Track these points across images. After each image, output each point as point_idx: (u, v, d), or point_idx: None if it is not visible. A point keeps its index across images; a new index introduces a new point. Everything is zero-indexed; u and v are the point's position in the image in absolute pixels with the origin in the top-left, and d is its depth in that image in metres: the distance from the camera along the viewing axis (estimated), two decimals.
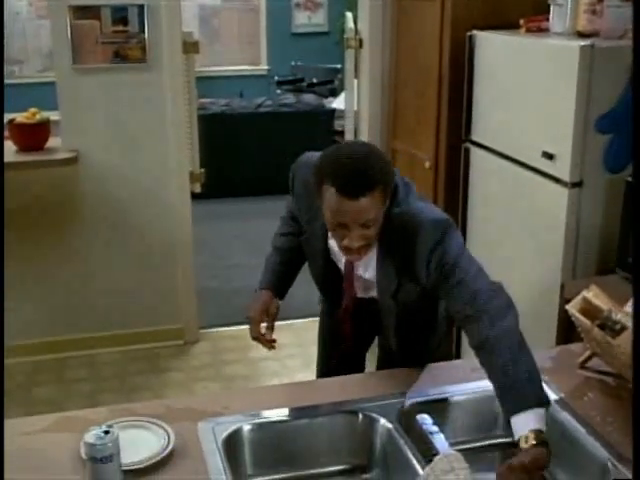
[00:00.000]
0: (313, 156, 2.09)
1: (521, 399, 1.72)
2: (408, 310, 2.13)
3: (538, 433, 1.66)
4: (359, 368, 2.53)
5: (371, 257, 2.04)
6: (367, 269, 2.10)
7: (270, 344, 2.29)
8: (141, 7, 3.82)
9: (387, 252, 2.02)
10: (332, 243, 2.08)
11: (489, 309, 1.87)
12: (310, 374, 3.79)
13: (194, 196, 4.27)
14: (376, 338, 2.55)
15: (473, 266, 1.95)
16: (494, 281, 1.96)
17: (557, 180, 2.85)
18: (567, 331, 2.64)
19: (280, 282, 2.34)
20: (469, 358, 1.94)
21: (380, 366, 2.44)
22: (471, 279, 1.91)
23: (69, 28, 3.78)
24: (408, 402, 1.91)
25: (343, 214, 1.84)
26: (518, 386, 1.74)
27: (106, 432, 1.56)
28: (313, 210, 2.07)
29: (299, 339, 4.28)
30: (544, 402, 1.73)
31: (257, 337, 2.28)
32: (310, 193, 2.00)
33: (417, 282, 2.00)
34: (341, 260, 2.14)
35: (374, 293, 2.16)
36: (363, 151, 1.93)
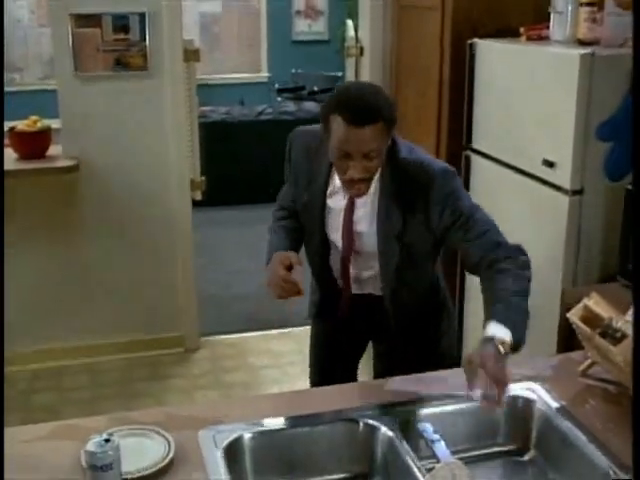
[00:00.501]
0: (311, 127, 2.26)
1: (510, 320, 1.87)
2: (409, 261, 2.18)
3: (508, 344, 1.81)
4: (351, 377, 2.56)
5: (368, 212, 2.15)
6: (365, 222, 2.17)
7: (296, 289, 2.10)
8: (142, 15, 3.83)
9: (391, 197, 2.11)
10: (330, 203, 2.19)
11: (513, 259, 2.00)
12: None
13: (195, 203, 4.27)
14: (370, 352, 2.57)
15: (492, 221, 2.10)
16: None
17: (558, 188, 2.85)
18: (568, 338, 2.63)
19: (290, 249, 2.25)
20: None
21: (377, 376, 2.44)
22: (494, 232, 2.06)
23: (70, 36, 3.79)
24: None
25: (348, 142, 1.96)
26: (513, 311, 1.90)
27: (107, 440, 1.56)
28: (313, 172, 2.21)
29: (299, 346, 4.27)
30: (521, 343, 1.87)
31: (282, 296, 2.12)
32: (310, 156, 2.20)
33: (427, 225, 2.10)
34: (338, 230, 2.20)
35: (371, 289, 2.27)
36: (371, 87, 2.13)
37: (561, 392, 1.97)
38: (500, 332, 1.83)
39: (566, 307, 2.62)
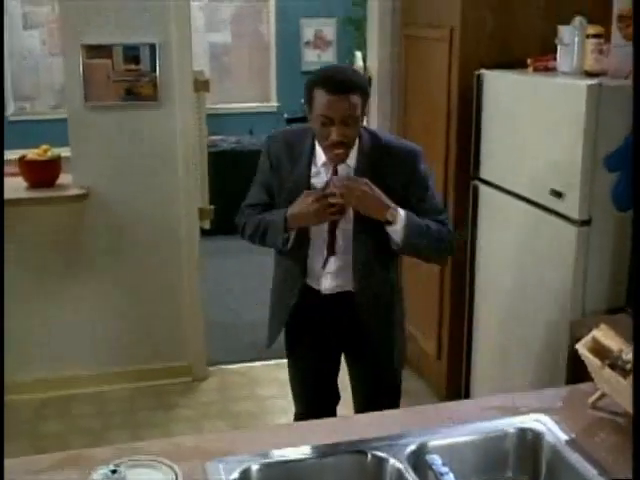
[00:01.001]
0: (286, 127, 2.84)
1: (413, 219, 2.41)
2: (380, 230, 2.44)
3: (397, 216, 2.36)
4: (334, 394, 2.83)
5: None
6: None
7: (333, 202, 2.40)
8: (153, 46, 3.88)
9: (369, 169, 2.45)
10: (315, 181, 2.49)
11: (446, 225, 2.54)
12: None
13: (203, 232, 4.29)
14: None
15: (439, 197, 2.69)
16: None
17: (566, 218, 2.85)
18: (577, 369, 2.62)
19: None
20: (479, 397, 1.93)
21: (357, 399, 2.77)
22: (439, 200, 2.64)
23: (82, 66, 3.83)
24: None
25: (330, 109, 2.30)
26: (419, 222, 2.43)
27: (113, 471, 1.56)
28: (294, 161, 2.53)
29: None
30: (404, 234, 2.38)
31: (333, 213, 2.43)
32: (290, 149, 2.54)
33: (402, 191, 2.47)
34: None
35: (342, 282, 2.55)
36: (348, 67, 2.72)
37: (571, 424, 1.96)
38: (400, 211, 2.38)
39: (575, 338, 2.61)
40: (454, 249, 2.69)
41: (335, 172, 2.46)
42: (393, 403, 2.72)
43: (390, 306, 2.66)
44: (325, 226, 2.50)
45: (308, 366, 2.78)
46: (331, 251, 2.53)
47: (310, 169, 2.50)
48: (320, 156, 2.48)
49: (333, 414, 2.79)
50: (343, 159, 2.42)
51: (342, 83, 2.32)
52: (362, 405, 2.75)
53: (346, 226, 2.50)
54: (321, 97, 2.31)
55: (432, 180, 2.59)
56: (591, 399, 2.05)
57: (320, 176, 2.49)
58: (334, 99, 2.29)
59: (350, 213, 2.47)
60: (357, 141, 2.46)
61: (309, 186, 2.48)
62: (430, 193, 2.54)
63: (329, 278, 2.58)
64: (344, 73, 2.41)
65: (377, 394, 2.72)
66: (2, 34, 4.31)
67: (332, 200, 2.38)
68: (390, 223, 2.39)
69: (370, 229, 2.46)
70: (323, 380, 2.81)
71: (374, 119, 4.26)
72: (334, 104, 2.30)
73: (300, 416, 2.84)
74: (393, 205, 2.38)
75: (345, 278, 2.57)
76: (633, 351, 1.84)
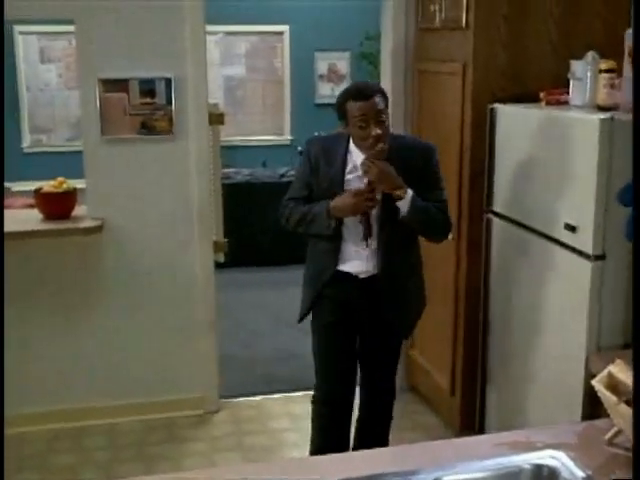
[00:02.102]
0: (323, 134, 3.28)
1: (418, 202, 2.90)
2: (407, 222, 2.92)
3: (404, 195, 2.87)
4: (352, 368, 3.20)
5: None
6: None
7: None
8: (168, 80, 3.92)
9: (393, 162, 2.88)
10: (349, 177, 2.97)
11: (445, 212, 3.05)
12: None
13: (217, 265, 4.29)
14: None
15: (445, 189, 3.10)
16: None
17: (580, 252, 2.84)
18: (593, 405, 2.60)
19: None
20: (493, 432, 1.91)
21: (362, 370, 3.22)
22: (445, 193, 3.08)
23: (98, 100, 3.88)
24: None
25: (362, 112, 2.82)
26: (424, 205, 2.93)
27: None
28: (330, 162, 3.01)
29: None
30: (410, 210, 2.89)
31: (369, 207, 2.92)
32: (326, 151, 3.03)
33: (417, 178, 2.94)
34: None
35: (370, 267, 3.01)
36: (365, 81, 3.40)
37: (587, 461, 1.93)
38: (409, 191, 2.88)
39: (590, 373, 2.59)
40: (447, 233, 3.13)
41: (341, 166, 2.98)
42: (392, 370, 3.24)
43: (406, 283, 3.13)
44: (358, 216, 2.96)
45: (330, 344, 3.17)
46: (369, 234, 2.97)
47: (344, 169, 2.99)
48: (353, 157, 2.98)
49: (352, 391, 3.20)
50: (385, 153, 2.87)
51: (365, 89, 2.89)
52: (365, 376, 3.23)
53: (374, 214, 2.97)
54: (352, 106, 2.85)
55: (441, 173, 3.09)
56: (607, 435, 2.03)
57: (355, 174, 2.97)
58: (364, 103, 2.82)
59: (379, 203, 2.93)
60: None
61: (343, 183, 2.97)
62: (438, 184, 3.05)
63: (364, 261, 3.01)
64: (363, 83, 3.11)
65: (381, 362, 3.21)
66: (2, 36, 4.34)
67: (367, 195, 2.86)
68: (401, 198, 2.88)
69: (393, 216, 2.91)
70: (344, 358, 3.18)
71: None
72: (365, 106, 2.82)
73: (318, 398, 3.23)
74: (405, 185, 2.89)
75: (374, 262, 3.01)
76: (633, 366, 1.82)
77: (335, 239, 3.01)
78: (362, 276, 3.04)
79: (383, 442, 3.28)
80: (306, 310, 3.19)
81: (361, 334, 3.19)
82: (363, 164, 2.88)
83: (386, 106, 2.90)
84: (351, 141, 2.98)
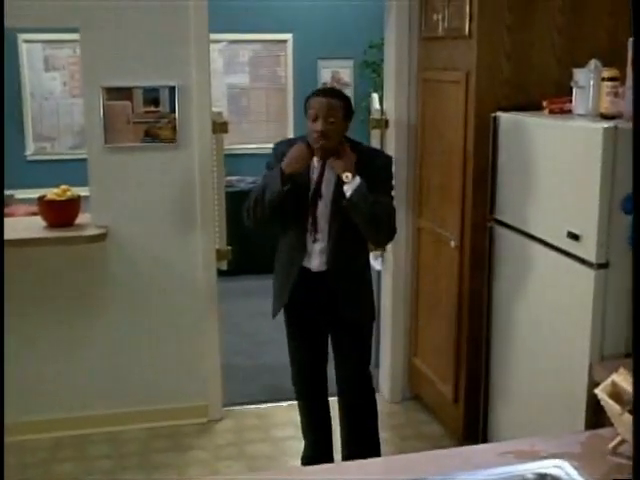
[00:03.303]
0: (289, 137, 3.29)
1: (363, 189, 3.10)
2: (351, 208, 3.10)
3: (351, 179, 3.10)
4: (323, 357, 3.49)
5: (332, 178, 3.18)
6: (328, 183, 3.21)
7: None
8: (172, 88, 3.93)
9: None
10: (313, 176, 3.20)
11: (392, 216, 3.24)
12: (334, 454, 3.74)
13: (221, 272, 4.29)
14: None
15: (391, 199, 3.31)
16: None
17: (583, 261, 2.84)
18: (597, 414, 2.59)
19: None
20: (496, 441, 1.91)
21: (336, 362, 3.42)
22: (394, 203, 3.31)
23: (102, 108, 3.89)
24: None
25: (316, 106, 3.11)
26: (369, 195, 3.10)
27: None
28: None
29: None
30: (354, 194, 3.10)
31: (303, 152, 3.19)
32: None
33: (372, 181, 3.13)
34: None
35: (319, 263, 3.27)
36: (337, 89, 3.50)
37: (590, 470, 1.93)
38: (357, 178, 3.10)
39: (594, 382, 2.59)
40: (391, 236, 3.30)
41: (323, 166, 3.19)
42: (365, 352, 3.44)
43: (359, 276, 3.34)
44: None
45: (302, 337, 3.47)
46: (314, 229, 3.22)
47: (309, 170, 3.21)
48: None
49: (323, 378, 3.51)
50: (326, 149, 3.12)
51: (326, 90, 3.32)
52: (338, 364, 3.43)
53: (324, 210, 3.19)
54: (312, 100, 3.16)
55: (393, 184, 3.32)
56: (611, 444, 2.03)
57: (315, 170, 3.21)
58: (320, 100, 3.12)
59: (328, 198, 3.18)
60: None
61: (309, 179, 3.20)
62: (389, 192, 3.26)
63: (316, 257, 3.25)
64: (331, 88, 3.51)
65: (350, 347, 3.38)
66: (2, 36, 4.34)
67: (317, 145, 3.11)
68: (347, 182, 3.09)
69: (344, 211, 3.11)
70: (314, 348, 3.47)
71: None
72: (320, 103, 3.11)
73: (295, 380, 3.55)
74: (354, 171, 3.10)
75: (321, 259, 3.25)
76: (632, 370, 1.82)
77: (298, 234, 3.27)
78: (314, 270, 3.27)
79: (372, 439, 3.47)
80: (278, 308, 3.51)
81: (323, 325, 3.42)
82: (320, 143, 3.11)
83: (345, 113, 3.14)
84: None
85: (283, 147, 3.33)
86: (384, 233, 3.26)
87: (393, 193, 3.32)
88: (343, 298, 3.29)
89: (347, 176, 3.09)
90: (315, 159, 3.21)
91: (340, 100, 3.14)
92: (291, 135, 9.80)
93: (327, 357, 3.51)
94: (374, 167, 3.21)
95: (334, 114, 3.10)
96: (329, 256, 3.23)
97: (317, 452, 3.56)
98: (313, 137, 3.13)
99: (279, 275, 3.49)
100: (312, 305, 3.36)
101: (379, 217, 3.13)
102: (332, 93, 3.19)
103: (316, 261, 3.28)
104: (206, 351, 4.24)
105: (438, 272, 3.99)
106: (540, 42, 3.52)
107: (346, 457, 3.42)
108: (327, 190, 3.21)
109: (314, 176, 3.22)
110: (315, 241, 3.25)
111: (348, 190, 3.09)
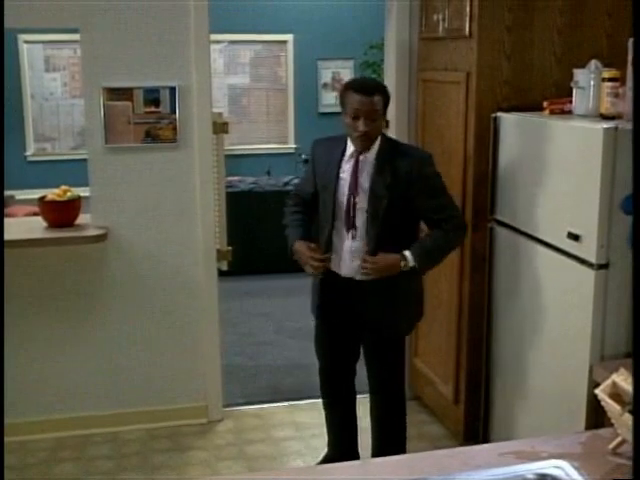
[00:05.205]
0: (324, 136, 3.38)
1: (417, 251, 3.10)
2: (392, 208, 3.08)
3: (409, 265, 3.08)
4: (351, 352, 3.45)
5: (369, 171, 3.12)
6: (365, 177, 3.13)
7: (322, 262, 3.17)
8: (173, 89, 3.93)
9: (384, 163, 3.09)
10: (342, 175, 3.15)
11: (450, 224, 3.17)
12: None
13: (221, 273, 4.30)
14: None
15: (448, 196, 3.19)
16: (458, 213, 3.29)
17: (583, 261, 2.84)
18: (597, 414, 2.59)
19: (305, 234, 3.30)
20: (497, 442, 1.91)
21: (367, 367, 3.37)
22: (447, 200, 3.19)
23: (102, 109, 3.89)
24: None
25: (357, 105, 3.00)
26: (422, 246, 3.14)
27: None
28: (331, 156, 3.20)
29: (323, 419, 4.23)
30: (422, 267, 3.15)
31: (317, 269, 3.17)
32: (327, 151, 3.24)
33: (406, 184, 3.07)
34: (344, 193, 3.16)
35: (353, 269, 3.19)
36: (372, 78, 3.53)
37: (591, 470, 1.93)
38: (408, 255, 3.07)
39: (594, 382, 2.59)
40: (463, 237, 3.31)
41: (357, 161, 3.12)
42: (397, 360, 3.39)
43: (395, 282, 3.16)
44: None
45: (330, 338, 3.44)
46: (350, 225, 3.16)
47: (340, 166, 3.16)
48: (348, 150, 3.16)
49: (349, 378, 3.50)
50: (368, 147, 3.10)
51: (368, 86, 3.08)
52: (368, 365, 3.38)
53: (361, 206, 3.13)
54: (352, 97, 3.03)
55: (440, 181, 3.18)
56: (611, 445, 2.03)
57: (347, 166, 3.16)
58: (361, 98, 3.00)
59: (365, 196, 3.11)
60: (379, 140, 3.12)
61: (338, 178, 3.16)
62: (437, 191, 3.15)
63: (348, 259, 3.18)
64: (369, 80, 3.53)
65: (382, 357, 3.34)
66: (2, 37, 4.34)
67: (316, 261, 3.14)
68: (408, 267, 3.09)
69: (387, 221, 3.09)
70: (340, 349, 3.45)
71: None
72: (359, 102, 3.00)
73: (320, 376, 3.56)
74: (398, 256, 3.08)
75: (355, 266, 3.18)
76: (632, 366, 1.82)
77: (324, 236, 3.25)
78: (343, 275, 3.23)
79: (399, 437, 3.48)
80: (313, 306, 3.43)
81: (354, 328, 3.36)
82: (362, 267, 3.09)
83: (384, 106, 3.06)
84: (348, 141, 3.17)
85: (321, 148, 3.31)
86: (460, 243, 3.35)
87: (445, 193, 3.21)
88: (375, 312, 3.24)
89: (403, 264, 3.08)
90: (347, 155, 3.17)
91: (380, 95, 3.05)
92: (291, 135, 9.83)
93: (356, 356, 3.48)
94: (409, 169, 3.09)
95: (376, 112, 3.03)
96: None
97: (337, 453, 3.55)
98: (355, 136, 3.07)
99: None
100: (341, 309, 3.31)
101: (449, 243, 3.20)
102: (372, 90, 3.04)
103: (346, 264, 3.20)
104: (206, 351, 4.24)
105: (438, 273, 3.98)
106: (540, 42, 3.52)
107: (375, 454, 3.44)
108: (364, 184, 3.14)
109: (344, 175, 3.16)
110: (354, 238, 3.17)
111: (412, 264, 3.09)
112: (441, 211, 3.16)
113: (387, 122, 3.23)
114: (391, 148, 3.15)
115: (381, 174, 3.10)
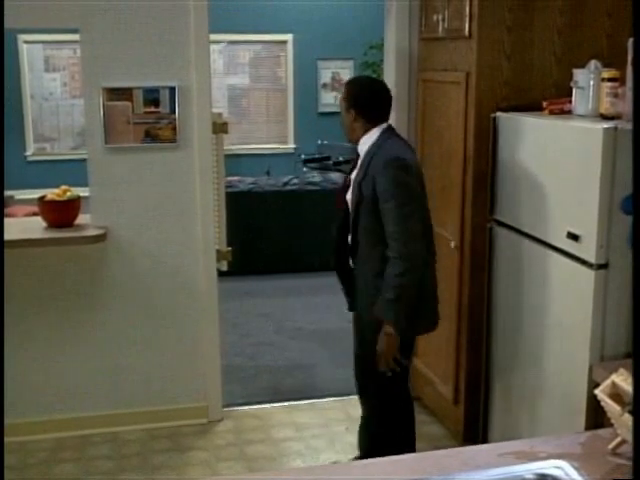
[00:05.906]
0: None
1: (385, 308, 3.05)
2: (362, 205, 3.12)
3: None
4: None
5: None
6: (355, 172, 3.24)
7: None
8: (172, 89, 3.93)
9: (365, 159, 3.15)
10: (352, 176, 3.25)
11: (389, 250, 3.04)
12: (334, 454, 3.77)
13: (220, 273, 4.30)
14: None
15: (404, 207, 3.01)
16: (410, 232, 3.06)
17: (583, 261, 2.84)
18: (596, 414, 2.59)
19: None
20: (496, 442, 1.91)
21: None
22: (394, 218, 3.01)
23: (102, 109, 3.89)
24: None
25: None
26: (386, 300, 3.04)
27: None
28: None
29: (323, 419, 4.24)
30: (393, 322, 3.04)
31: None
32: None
33: (372, 183, 3.06)
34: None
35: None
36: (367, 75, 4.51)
37: (590, 470, 1.93)
38: (381, 316, 3.06)
39: (594, 383, 2.59)
40: (404, 268, 3.02)
41: (357, 156, 3.25)
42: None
43: (377, 274, 3.11)
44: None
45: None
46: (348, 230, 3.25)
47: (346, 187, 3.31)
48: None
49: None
50: (350, 139, 3.29)
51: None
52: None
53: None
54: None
55: (394, 189, 3.02)
56: (611, 445, 2.03)
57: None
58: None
59: (350, 203, 3.20)
60: (376, 136, 3.17)
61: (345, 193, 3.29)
62: (387, 198, 3.02)
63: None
64: (363, 76, 4.13)
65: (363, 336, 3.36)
66: (2, 37, 4.34)
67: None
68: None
69: (361, 217, 3.14)
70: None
71: None
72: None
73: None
74: (387, 333, 3.05)
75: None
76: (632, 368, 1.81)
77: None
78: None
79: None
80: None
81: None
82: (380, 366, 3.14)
83: (351, 97, 3.23)
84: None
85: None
86: (413, 276, 3.06)
87: (392, 204, 3.01)
88: (358, 299, 3.32)
89: (387, 327, 3.06)
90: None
91: (347, 86, 3.36)
92: (291, 135, 9.83)
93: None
94: (375, 171, 3.06)
95: (342, 102, 3.32)
96: (352, 252, 3.29)
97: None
98: None
99: None
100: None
101: (403, 283, 3.02)
102: (346, 82, 3.40)
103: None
104: (206, 351, 4.24)
105: (438, 273, 3.98)
106: (540, 42, 3.52)
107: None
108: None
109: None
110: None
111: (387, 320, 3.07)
112: (386, 223, 3.04)
113: (359, 115, 3.17)
114: (378, 146, 3.15)
115: (360, 170, 3.17)
